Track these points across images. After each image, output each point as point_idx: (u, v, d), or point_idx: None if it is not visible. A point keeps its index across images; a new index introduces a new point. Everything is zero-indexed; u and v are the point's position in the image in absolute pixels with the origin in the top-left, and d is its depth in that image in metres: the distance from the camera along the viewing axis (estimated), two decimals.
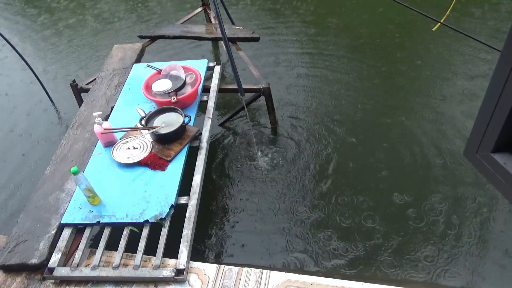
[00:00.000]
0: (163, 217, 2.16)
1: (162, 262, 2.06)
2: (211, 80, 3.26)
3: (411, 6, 2.80)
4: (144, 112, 2.77)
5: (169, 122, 2.63)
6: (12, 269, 2.09)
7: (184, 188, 2.38)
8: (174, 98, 2.75)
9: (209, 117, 2.87)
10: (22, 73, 4.82)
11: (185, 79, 2.92)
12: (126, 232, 2.17)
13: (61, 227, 2.22)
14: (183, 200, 2.31)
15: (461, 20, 4.78)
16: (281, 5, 5.65)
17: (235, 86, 3.20)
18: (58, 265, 2.06)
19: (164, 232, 2.14)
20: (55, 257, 2.08)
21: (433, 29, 3.42)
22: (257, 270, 2.04)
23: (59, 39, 5.57)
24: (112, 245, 2.15)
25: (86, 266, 2.08)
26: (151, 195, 2.29)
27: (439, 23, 2.88)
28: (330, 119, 3.64)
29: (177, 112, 2.68)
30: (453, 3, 3.08)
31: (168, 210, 2.19)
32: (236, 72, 2.81)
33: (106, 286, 2.02)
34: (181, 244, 2.08)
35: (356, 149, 3.32)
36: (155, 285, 2.00)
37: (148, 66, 3.25)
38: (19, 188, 3.37)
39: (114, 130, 2.62)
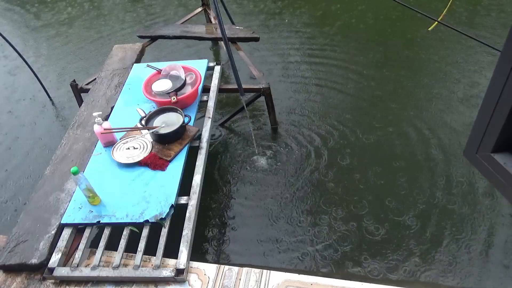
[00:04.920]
0: (163, 217, 2.16)
1: (162, 262, 2.06)
2: (211, 80, 3.27)
3: (409, 5, 2.80)
4: (144, 112, 2.77)
5: (169, 122, 2.63)
6: (12, 269, 2.09)
7: (184, 188, 2.38)
8: (174, 98, 2.75)
9: (209, 117, 2.87)
10: (21, 72, 4.82)
11: (185, 79, 2.92)
12: (126, 232, 2.17)
13: (61, 227, 2.22)
14: (183, 200, 2.31)
15: (460, 19, 4.79)
16: (281, 4, 5.65)
17: (235, 86, 3.19)
18: (58, 265, 2.05)
19: (164, 232, 2.14)
20: (55, 257, 2.08)
21: (429, 29, 3.41)
22: (257, 270, 2.04)
23: (59, 38, 5.57)
24: (112, 245, 2.15)
25: (86, 266, 2.08)
26: (151, 195, 2.29)
27: (436, 22, 2.87)
28: (330, 119, 3.64)
29: (177, 112, 2.68)
30: (450, 2, 3.07)
31: (168, 210, 2.19)
32: (236, 72, 2.81)
33: (106, 286, 2.02)
34: (181, 244, 2.08)
35: (357, 149, 3.32)
36: (155, 285, 2.00)
37: (148, 66, 3.25)
38: (19, 188, 3.37)
39: (114, 130, 2.62)
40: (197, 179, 2.43)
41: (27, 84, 4.65)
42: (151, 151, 2.52)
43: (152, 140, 2.60)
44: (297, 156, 3.32)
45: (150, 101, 2.94)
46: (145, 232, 2.16)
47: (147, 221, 2.16)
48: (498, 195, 2.78)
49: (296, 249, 2.64)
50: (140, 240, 2.12)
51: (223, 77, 4.01)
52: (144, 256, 2.09)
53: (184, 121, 2.58)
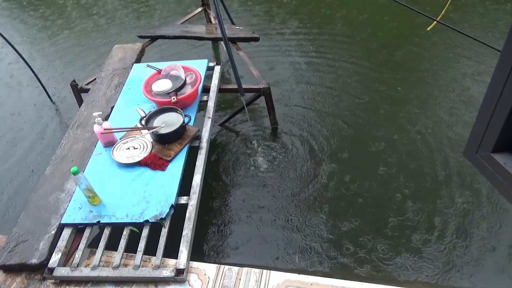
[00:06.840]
0: (163, 217, 2.16)
1: (162, 262, 2.06)
2: (211, 80, 3.27)
3: (408, 5, 2.80)
4: (144, 112, 2.77)
5: (169, 122, 2.63)
6: (12, 269, 2.09)
7: (184, 188, 2.38)
8: (174, 98, 2.75)
9: (209, 117, 2.87)
10: (21, 72, 4.82)
11: (185, 79, 2.92)
12: (126, 232, 2.18)
13: (61, 227, 2.22)
14: (183, 200, 2.31)
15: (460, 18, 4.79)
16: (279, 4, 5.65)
17: (235, 86, 3.19)
18: (58, 265, 2.06)
19: (164, 232, 2.14)
20: (55, 257, 2.08)
21: (428, 29, 3.39)
22: (257, 270, 2.04)
23: (59, 38, 5.57)
24: (112, 245, 2.15)
25: (86, 266, 2.08)
26: (151, 195, 2.29)
27: (435, 22, 2.86)
28: (330, 119, 3.64)
29: (177, 112, 2.68)
30: (449, 1, 3.06)
31: (168, 210, 2.19)
32: (236, 72, 2.81)
33: (106, 286, 2.02)
34: (181, 244, 2.08)
35: (357, 147, 3.32)
36: (155, 285, 2.00)
37: (148, 66, 3.25)
38: (19, 188, 3.37)
39: (114, 130, 2.62)
40: (197, 179, 2.43)
41: (27, 84, 4.65)
42: (151, 151, 2.52)
43: (152, 140, 2.60)
44: (297, 156, 3.32)
45: (150, 101, 2.94)
46: (145, 232, 2.16)
47: (147, 221, 2.16)
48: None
49: (298, 249, 2.64)
50: (140, 240, 2.12)
51: (223, 77, 4.01)
52: (144, 256, 2.09)
53: (184, 121, 2.58)
